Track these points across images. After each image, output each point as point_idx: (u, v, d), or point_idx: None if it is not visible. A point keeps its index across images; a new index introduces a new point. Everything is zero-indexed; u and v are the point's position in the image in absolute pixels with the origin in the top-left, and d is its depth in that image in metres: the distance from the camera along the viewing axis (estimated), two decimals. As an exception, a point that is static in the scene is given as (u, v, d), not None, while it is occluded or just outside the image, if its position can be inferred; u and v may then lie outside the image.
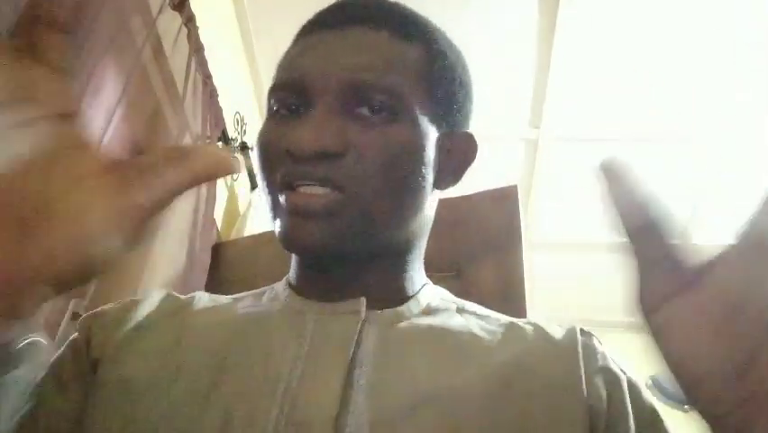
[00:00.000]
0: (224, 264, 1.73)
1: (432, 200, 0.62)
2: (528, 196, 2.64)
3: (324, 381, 0.50)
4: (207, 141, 1.70)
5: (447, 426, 0.48)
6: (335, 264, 0.58)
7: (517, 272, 1.25)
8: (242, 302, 0.63)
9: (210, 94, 1.65)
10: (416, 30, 0.60)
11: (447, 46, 0.63)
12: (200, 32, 1.52)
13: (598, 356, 0.55)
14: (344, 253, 0.55)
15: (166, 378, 0.52)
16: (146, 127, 1.45)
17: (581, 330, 0.58)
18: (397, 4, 0.62)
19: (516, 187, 1.37)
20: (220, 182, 1.91)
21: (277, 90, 0.57)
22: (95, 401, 0.53)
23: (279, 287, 0.63)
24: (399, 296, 0.60)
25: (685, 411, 3.15)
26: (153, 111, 1.47)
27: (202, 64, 1.57)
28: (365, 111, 0.54)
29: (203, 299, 0.64)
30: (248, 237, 2.05)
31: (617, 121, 2.39)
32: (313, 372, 0.50)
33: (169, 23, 1.44)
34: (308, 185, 0.53)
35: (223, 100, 1.71)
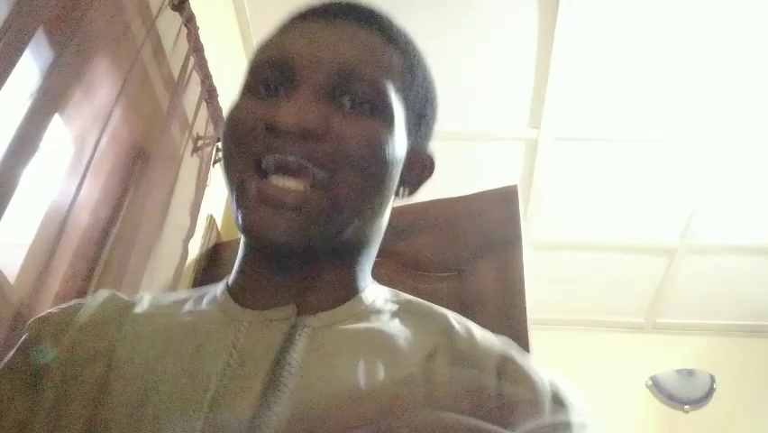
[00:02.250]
0: (222, 264, 1.73)
1: (389, 206, 0.63)
2: (528, 196, 2.63)
3: (245, 385, 0.50)
4: (207, 141, 1.70)
5: (369, 426, 0.48)
6: (292, 259, 0.57)
7: (517, 272, 1.25)
8: (183, 306, 0.62)
9: (210, 94, 1.65)
10: (400, 38, 0.61)
11: (424, 63, 0.64)
12: (200, 32, 1.52)
13: (517, 369, 0.55)
14: (307, 248, 0.54)
15: (96, 390, 0.52)
16: (146, 127, 1.45)
17: (503, 348, 0.57)
18: (382, 12, 0.63)
19: (515, 187, 1.37)
20: (221, 182, 1.91)
21: (261, 67, 0.57)
22: (39, 409, 0.53)
23: (218, 291, 0.62)
24: (339, 295, 0.59)
25: (685, 412, 3.15)
26: (153, 110, 1.47)
27: (202, 64, 1.57)
28: (347, 101, 0.55)
29: (145, 301, 0.63)
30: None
31: (617, 121, 2.39)
32: (239, 379, 0.51)
33: (169, 23, 1.44)
34: (281, 170, 0.52)
35: (222, 100, 1.71)
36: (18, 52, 0.90)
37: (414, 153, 0.62)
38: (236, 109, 0.57)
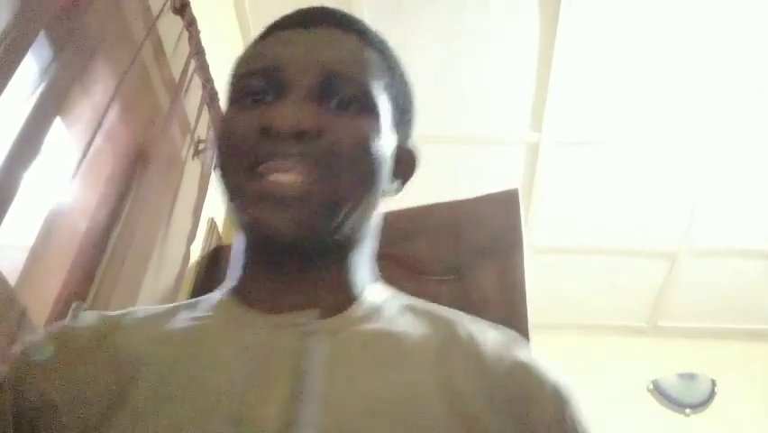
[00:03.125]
0: (223, 268, 1.73)
1: (380, 201, 0.63)
2: (529, 199, 2.63)
3: (270, 397, 0.49)
4: (208, 144, 1.70)
5: None
6: (295, 256, 0.57)
7: (518, 276, 1.25)
8: (179, 314, 0.60)
9: (211, 97, 1.66)
10: (378, 41, 0.64)
11: (399, 62, 0.66)
12: (201, 35, 1.52)
13: (526, 372, 0.55)
14: (310, 242, 0.54)
15: (108, 407, 0.50)
16: (146, 129, 1.46)
17: (514, 350, 0.57)
18: (355, 16, 0.65)
19: (516, 190, 1.36)
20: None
21: (249, 76, 0.58)
22: None
23: (216, 296, 0.61)
24: (346, 297, 0.59)
25: (686, 416, 3.14)
26: (154, 114, 1.47)
27: (203, 67, 1.57)
28: (335, 102, 0.56)
29: (137, 314, 0.61)
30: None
31: (618, 125, 2.39)
32: (260, 388, 0.49)
33: (171, 26, 1.44)
34: (278, 172, 0.53)
35: (223, 103, 1.71)
36: (20, 56, 0.91)
37: (400, 150, 0.63)
38: (227, 120, 0.58)
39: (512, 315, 1.19)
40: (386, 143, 0.59)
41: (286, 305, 0.56)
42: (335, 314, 0.57)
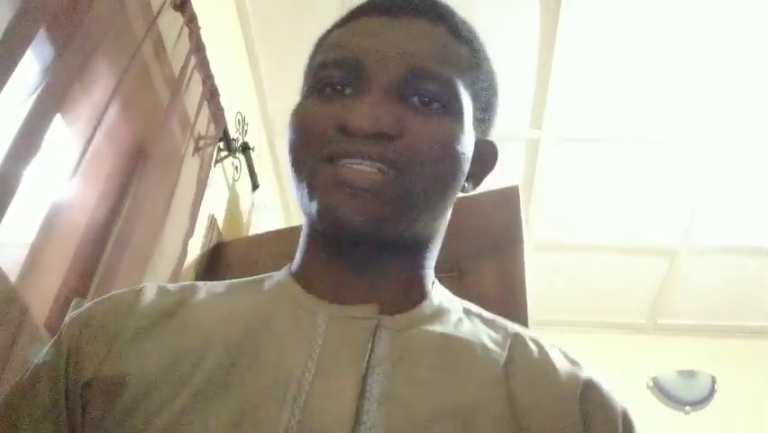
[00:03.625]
0: (224, 264, 1.73)
1: (454, 201, 0.62)
2: (529, 196, 2.63)
3: (338, 390, 0.48)
4: (208, 141, 1.70)
5: None
6: (362, 248, 0.55)
7: (519, 273, 1.25)
8: (242, 293, 0.60)
9: (211, 94, 1.65)
10: (467, 32, 0.60)
11: (487, 53, 0.63)
12: (202, 32, 1.52)
13: (598, 394, 0.55)
14: (382, 236, 0.53)
15: (174, 384, 0.49)
16: (147, 126, 1.45)
17: (583, 370, 0.57)
18: (449, 5, 0.62)
19: (517, 187, 1.37)
20: (222, 182, 1.91)
21: (329, 66, 0.55)
22: (98, 424, 0.49)
23: (280, 276, 0.60)
24: (413, 296, 0.58)
25: (686, 413, 3.15)
26: (154, 110, 1.47)
27: (203, 64, 1.57)
28: (416, 101, 0.54)
29: (200, 291, 0.60)
30: (249, 237, 2.06)
31: (618, 122, 2.39)
32: (326, 378, 0.49)
33: (171, 23, 1.44)
34: (357, 164, 0.51)
35: (224, 100, 1.71)
36: (20, 52, 0.90)
37: (479, 144, 0.60)
38: (304, 109, 0.56)
39: (512, 311, 1.19)
40: (467, 144, 0.56)
41: (350, 296, 0.55)
42: (402, 311, 0.56)
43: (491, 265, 1.27)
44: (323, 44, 0.60)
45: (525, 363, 0.55)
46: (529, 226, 2.63)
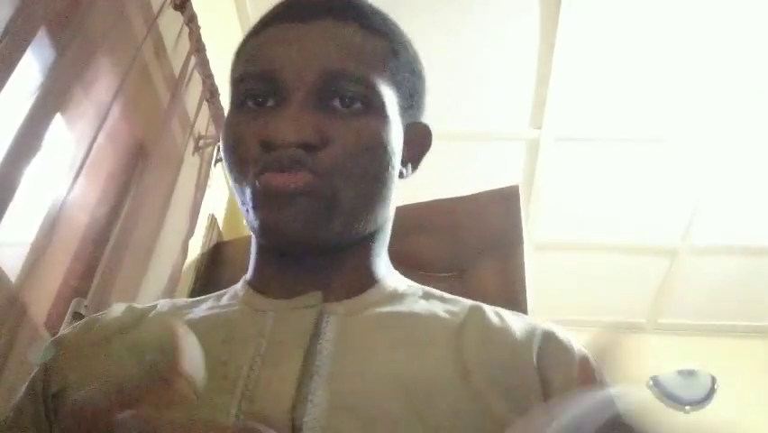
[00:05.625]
0: (224, 264, 1.73)
1: (395, 189, 0.62)
2: (529, 196, 2.63)
3: (282, 375, 0.49)
4: (208, 141, 1.70)
5: (409, 411, 0.48)
6: (305, 253, 0.57)
7: (519, 273, 1.25)
8: (203, 305, 0.62)
9: (211, 94, 1.65)
10: (379, 23, 0.60)
11: (406, 39, 0.63)
12: (202, 32, 1.52)
13: (554, 342, 0.56)
14: (320, 239, 0.54)
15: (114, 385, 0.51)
16: (147, 126, 1.45)
17: (544, 328, 0.58)
18: (358, 1, 0.61)
19: (517, 187, 1.36)
20: (222, 182, 1.91)
21: (246, 80, 0.56)
22: None
23: (238, 287, 0.62)
24: (362, 283, 0.59)
25: (686, 412, 3.15)
26: (154, 110, 1.47)
27: (203, 64, 1.57)
28: (337, 103, 0.54)
29: (164, 306, 0.62)
30: (249, 237, 2.05)
31: (618, 121, 2.39)
32: (273, 367, 0.50)
33: (171, 22, 1.44)
34: (280, 173, 0.52)
35: (224, 100, 1.71)
36: (20, 52, 0.91)
37: (409, 129, 0.61)
38: (231, 126, 0.57)
39: (512, 311, 1.19)
40: (394, 136, 0.57)
41: (297, 290, 0.56)
42: (351, 297, 0.57)
43: (491, 265, 1.26)
44: (240, 55, 0.61)
45: (479, 327, 0.56)
46: (529, 226, 2.63)
